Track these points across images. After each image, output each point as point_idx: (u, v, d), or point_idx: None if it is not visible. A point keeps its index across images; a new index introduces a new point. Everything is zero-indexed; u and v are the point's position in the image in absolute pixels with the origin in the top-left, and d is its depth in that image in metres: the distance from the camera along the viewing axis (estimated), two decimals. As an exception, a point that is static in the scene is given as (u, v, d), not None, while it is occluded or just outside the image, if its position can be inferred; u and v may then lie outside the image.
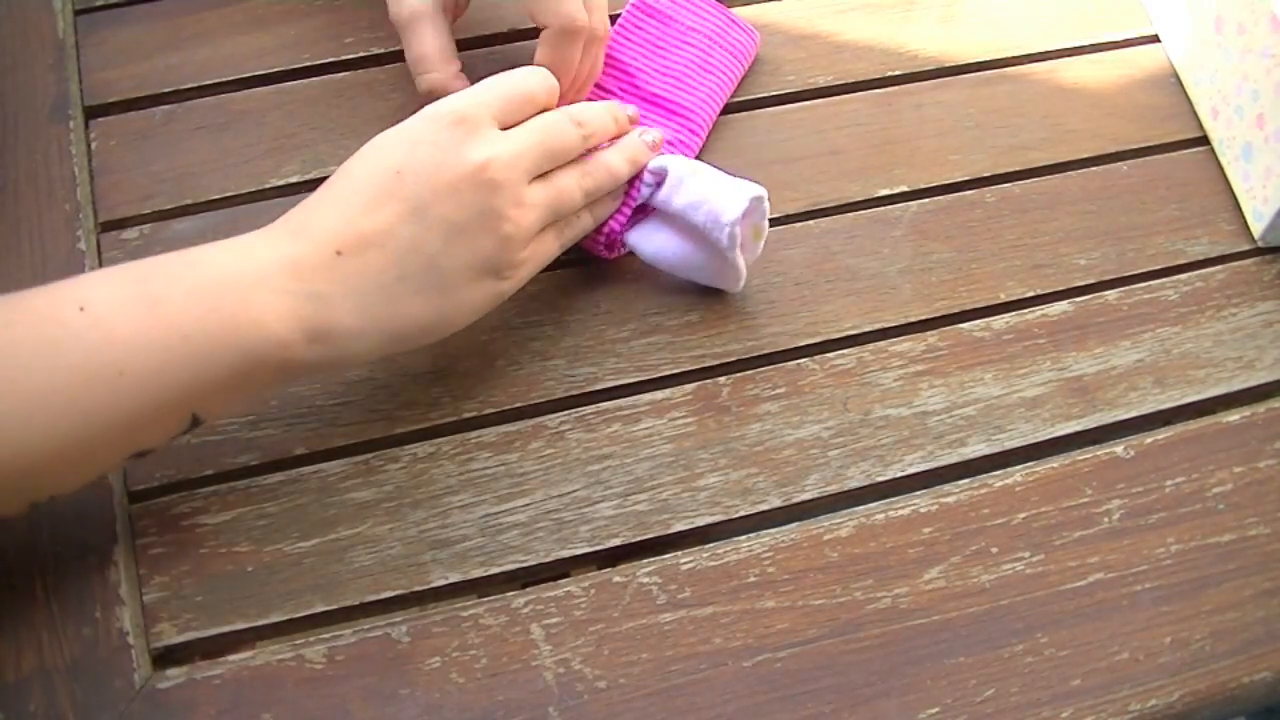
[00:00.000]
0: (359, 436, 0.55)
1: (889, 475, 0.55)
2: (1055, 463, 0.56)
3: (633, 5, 0.65)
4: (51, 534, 0.51)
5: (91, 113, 0.63)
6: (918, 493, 0.55)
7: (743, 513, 0.54)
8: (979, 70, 0.68)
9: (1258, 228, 0.63)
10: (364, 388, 0.56)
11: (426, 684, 0.49)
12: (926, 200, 0.63)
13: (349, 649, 0.50)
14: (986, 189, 0.64)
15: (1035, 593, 0.52)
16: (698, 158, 0.62)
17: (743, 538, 0.53)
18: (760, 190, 0.55)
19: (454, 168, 0.49)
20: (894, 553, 0.53)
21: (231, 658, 0.50)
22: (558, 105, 0.55)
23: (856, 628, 0.51)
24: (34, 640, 0.49)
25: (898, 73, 0.67)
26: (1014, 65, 0.68)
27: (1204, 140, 0.66)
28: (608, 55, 0.63)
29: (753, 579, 0.52)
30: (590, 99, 0.61)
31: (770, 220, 0.57)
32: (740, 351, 0.58)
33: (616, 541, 0.53)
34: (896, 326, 0.59)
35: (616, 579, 0.52)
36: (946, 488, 0.55)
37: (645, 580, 0.52)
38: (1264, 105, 0.61)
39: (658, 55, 0.63)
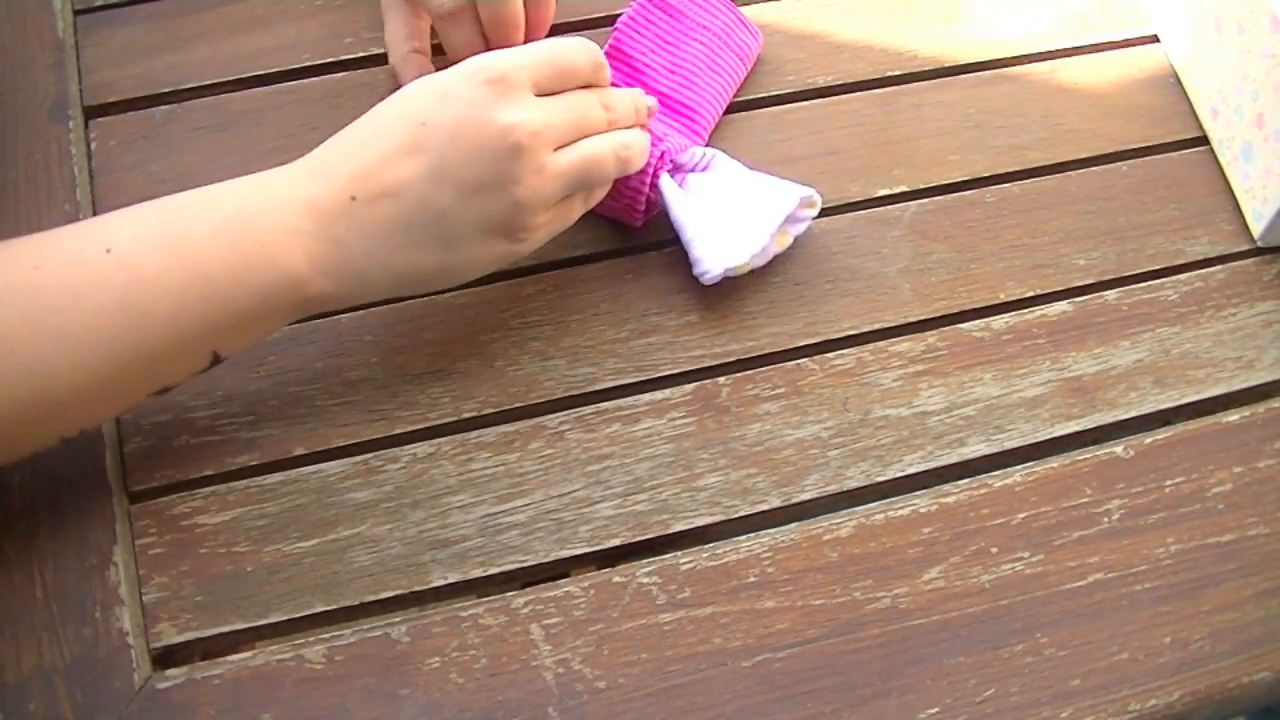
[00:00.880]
0: (359, 436, 0.55)
1: (889, 475, 0.55)
2: (1055, 463, 0.56)
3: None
4: (51, 534, 0.51)
5: (91, 113, 0.63)
6: (917, 493, 0.55)
7: (742, 513, 0.54)
8: (978, 70, 0.68)
9: (1257, 228, 0.63)
10: (364, 388, 0.56)
11: (426, 684, 0.49)
12: (926, 200, 0.63)
13: (349, 649, 0.50)
14: (986, 189, 0.64)
15: (1035, 593, 0.52)
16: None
17: (742, 538, 0.53)
18: (816, 197, 0.58)
19: (480, 126, 0.49)
20: (894, 553, 0.53)
21: (231, 658, 0.50)
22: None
23: (856, 628, 0.51)
24: (34, 640, 0.49)
25: (897, 73, 0.67)
26: (1014, 65, 0.68)
27: (1203, 140, 0.66)
28: (615, 49, 0.63)
29: (752, 579, 0.52)
30: None
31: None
32: (740, 351, 0.58)
33: (616, 541, 0.53)
34: (896, 326, 0.59)
35: (616, 579, 0.52)
36: (946, 488, 0.55)
37: (645, 580, 0.52)
38: (1263, 105, 0.61)
39: (666, 52, 0.63)
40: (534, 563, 0.52)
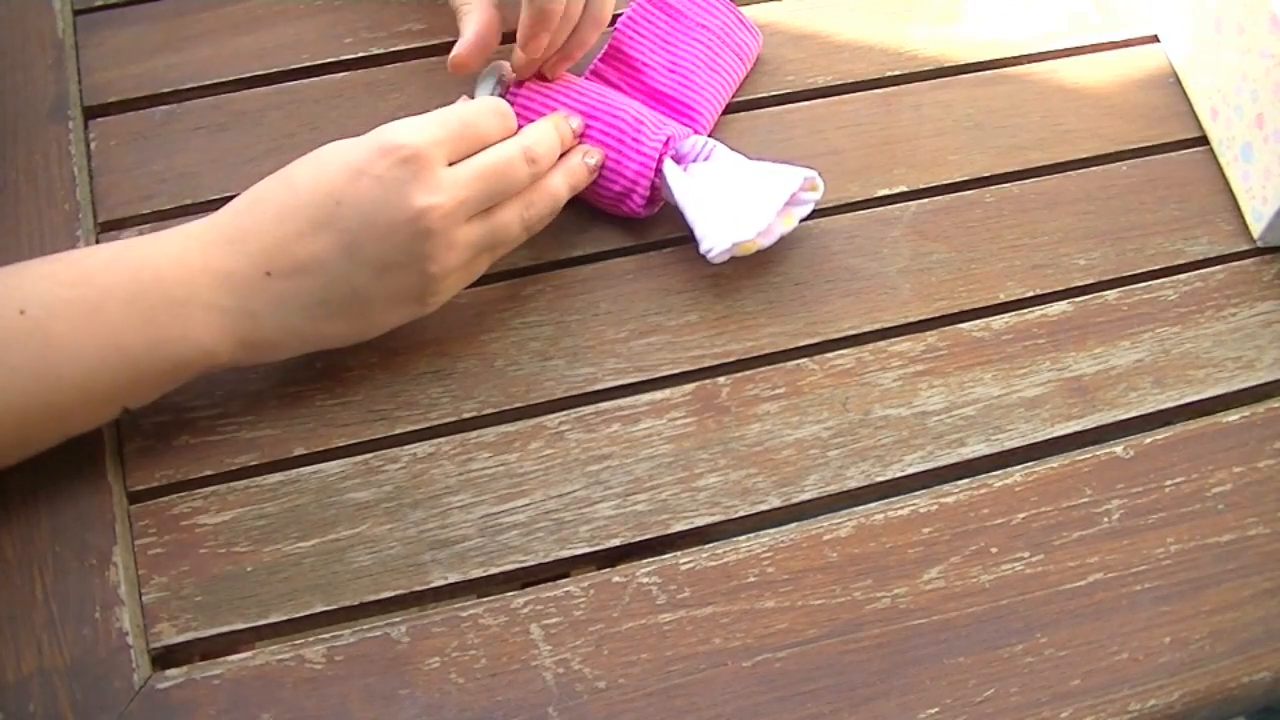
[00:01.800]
0: (358, 436, 0.55)
1: (888, 475, 0.55)
2: (1055, 463, 0.56)
3: None
4: (51, 534, 0.51)
5: (91, 113, 0.63)
6: (917, 493, 0.55)
7: (742, 513, 0.54)
8: (978, 70, 0.68)
9: (1257, 228, 0.63)
10: (364, 388, 0.56)
11: (426, 684, 0.49)
12: (926, 200, 0.63)
13: (349, 649, 0.50)
14: (986, 189, 0.64)
15: (1035, 593, 0.52)
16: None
17: (742, 538, 0.53)
18: (818, 180, 0.59)
19: (393, 210, 0.50)
20: (893, 553, 0.53)
21: (231, 658, 0.50)
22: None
23: (856, 628, 0.51)
24: (34, 640, 0.49)
25: (897, 73, 0.67)
26: (1014, 65, 0.68)
27: (1203, 140, 0.66)
28: (615, 49, 0.63)
29: (752, 579, 0.52)
30: (595, 94, 0.60)
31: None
32: (739, 352, 0.58)
33: (616, 542, 0.53)
34: (896, 327, 0.59)
35: (616, 579, 0.52)
36: (946, 488, 0.55)
37: (645, 580, 0.52)
38: (1263, 105, 0.61)
39: (666, 51, 0.63)
40: (534, 563, 0.52)
